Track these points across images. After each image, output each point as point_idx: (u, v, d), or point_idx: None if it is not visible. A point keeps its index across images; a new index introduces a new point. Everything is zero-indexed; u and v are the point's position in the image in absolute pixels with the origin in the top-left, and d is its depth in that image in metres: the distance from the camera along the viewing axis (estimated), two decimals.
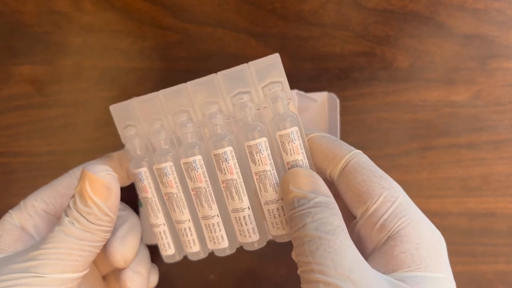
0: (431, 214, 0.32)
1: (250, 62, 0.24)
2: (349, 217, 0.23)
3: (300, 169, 0.23)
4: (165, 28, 0.32)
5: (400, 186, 0.22)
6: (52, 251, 0.22)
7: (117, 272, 0.27)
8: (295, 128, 0.24)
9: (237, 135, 0.24)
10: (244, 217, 0.24)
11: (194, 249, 0.26)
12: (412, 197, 0.32)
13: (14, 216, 0.25)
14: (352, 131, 0.32)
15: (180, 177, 0.25)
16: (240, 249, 0.33)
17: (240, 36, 0.32)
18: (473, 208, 0.32)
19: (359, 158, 0.22)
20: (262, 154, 0.24)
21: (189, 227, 0.26)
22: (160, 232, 0.26)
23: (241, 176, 0.24)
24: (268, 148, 0.24)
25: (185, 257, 0.33)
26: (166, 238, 0.26)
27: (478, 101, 0.32)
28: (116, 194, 0.23)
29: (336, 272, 0.19)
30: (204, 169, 0.25)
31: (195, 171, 0.24)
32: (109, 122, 0.33)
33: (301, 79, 0.32)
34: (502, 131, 0.32)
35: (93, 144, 0.34)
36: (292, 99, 0.24)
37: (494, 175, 0.32)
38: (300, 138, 0.24)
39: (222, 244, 0.25)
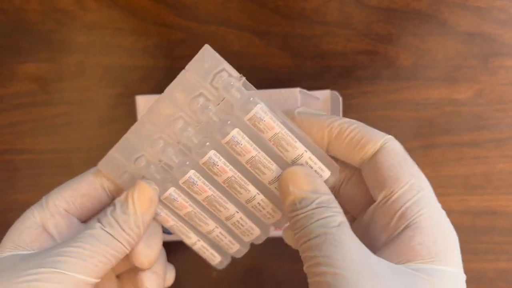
0: None
1: (186, 66, 0.24)
2: (353, 211, 0.24)
3: (297, 168, 0.23)
4: (168, 26, 0.32)
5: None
6: (76, 249, 0.22)
7: (131, 271, 0.27)
8: (259, 106, 0.23)
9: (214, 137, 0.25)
10: (262, 199, 0.25)
11: (235, 248, 0.27)
12: None
13: (37, 214, 0.24)
14: None
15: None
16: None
17: (243, 34, 0.32)
18: (475, 206, 0.32)
19: (393, 143, 0.23)
20: (241, 144, 0.24)
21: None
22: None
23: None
24: (245, 136, 0.24)
25: (186, 256, 0.33)
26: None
27: (480, 99, 0.32)
28: (153, 211, 0.24)
29: (343, 263, 0.19)
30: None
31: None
32: (113, 120, 0.34)
33: (303, 77, 0.32)
34: (504, 130, 0.32)
35: (97, 142, 0.34)
36: (243, 77, 0.24)
37: (496, 173, 0.32)
38: (270, 112, 0.24)
39: (255, 233, 0.26)
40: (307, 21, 0.32)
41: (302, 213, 0.21)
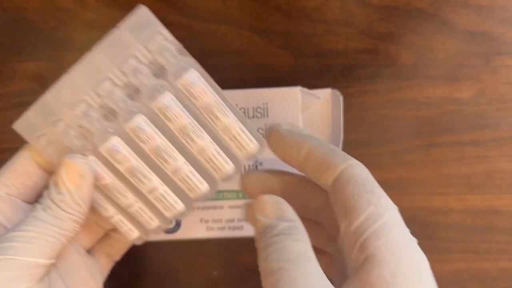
0: (434, 211, 0.32)
1: (119, 24, 0.23)
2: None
3: (266, 196, 0.22)
4: (169, 25, 0.32)
5: (392, 202, 0.21)
6: (20, 233, 0.22)
7: (102, 242, 0.28)
8: (193, 71, 0.23)
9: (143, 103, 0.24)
10: (212, 153, 0.24)
11: (154, 224, 0.26)
12: (415, 194, 0.32)
13: None
14: (356, 128, 0.32)
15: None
16: (244, 246, 0.33)
17: (244, 32, 0.32)
18: (476, 205, 0.32)
19: (352, 169, 0.21)
20: (173, 108, 0.23)
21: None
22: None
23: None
24: (177, 101, 0.23)
25: (187, 255, 0.33)
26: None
27: (482, 98, 0.32)
28: (89, 184, 0.23)
29: None
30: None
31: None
32: None
33: (304, 76, 0.32)
34: (506, 129, 0.32)
35: None
36: (180, 43, 0.23)
37: (497, 172, 0.32)
38: (203, 79, 0.23)
39: (179, 208, 0.25)
40: (308, 20, 0.32)
41: (264, 241, 0.20)
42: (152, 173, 0.24)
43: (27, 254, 0.22)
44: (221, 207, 0.30)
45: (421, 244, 0.33)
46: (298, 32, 0.32)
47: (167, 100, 0.23)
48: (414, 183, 0.32)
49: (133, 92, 0.24)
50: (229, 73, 0.32)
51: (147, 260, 0.34)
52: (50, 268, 0.24)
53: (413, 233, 0.32)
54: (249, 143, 0.24)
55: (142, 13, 0.23)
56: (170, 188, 0.25)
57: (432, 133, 0.32)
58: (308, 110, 0.30)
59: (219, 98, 0.24)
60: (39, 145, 0.25)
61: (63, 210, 0.23)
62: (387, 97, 0.32)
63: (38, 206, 0.23)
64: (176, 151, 0.24)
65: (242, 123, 0.24)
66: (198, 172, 0.25)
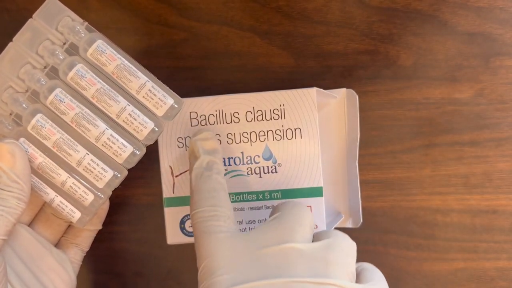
0: (433, 211, 0.33)
1: (33, 15, 0.26)
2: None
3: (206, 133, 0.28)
4: (171, 26, 0.32)
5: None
6: None
7: (69, 234, 0.30)
8: (100, 41, 0.26)
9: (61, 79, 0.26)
10: (129, 114, 0.26)
11: (90, 199, 0.27)
12: (414, 194, 0.32)
13: None
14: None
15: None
16: None
17: (245, 34, 0.32)
18: (475, 205, 0.33)
19: None
20: (86, 77, 0.25)
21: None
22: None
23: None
24: (89, 71, 0.26)
25: (189, 254, 0.34)
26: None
27: (481, 99, 0.32)
28: (22, 161, 0.25)
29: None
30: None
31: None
32: None
33: (305, 77, 0.32)
34: (505, 129, 0.32)
35: None
36: (86, 22, 0.26)
37: (497, 172, 0.32)
38: (110, 47, 0.26)
39: (127, 151, 0.26)
40: (309, 21, 0.32)
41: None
42: (77, 143, 0.26)
43: None
44: (242, 208, 0.30)
45: (420, 244, 0.33)
46: (299, 34, 0.32)
47: (79, 70, 0.25)
48: (414, 183, 0.32)
49: (51, 72, 0.26)
50: (230, 74, 0.32)
51: (150, 260, 0.34)
52: (11, 256, 0.26)
53: (413, 232, 0.33)
54: (164, 100, 0.26)
55: (52, 2, 0.26)
56: (97, 156, 0.26)
57: (431, 133, 0.32)
58: (324, 110, 0.31)
59: (127, 62, 0.26)
60: None
61: (2, 189, 0.24)
62: (387, 97, 0.32)
63: None
64: (96, 117, 0.26)
65: (154, 82, 0.26)
66: (120, 136, 0.26)
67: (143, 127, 0.26)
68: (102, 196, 0.27)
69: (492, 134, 0.32)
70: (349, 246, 0.24)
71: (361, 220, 0.31)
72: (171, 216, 0.30)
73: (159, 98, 0.26)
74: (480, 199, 0.32)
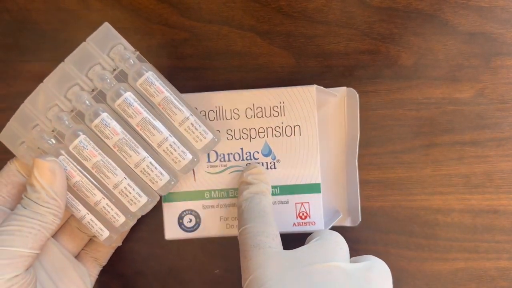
0: (434, 211, 0.33)
1: (87, 39, 0.26)
2: None
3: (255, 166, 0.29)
4: (172, 26, 0.32)
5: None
6: (4, 228, 0.24)
7: (88, 247, 0.31)
8: (150, 73, 0.26)
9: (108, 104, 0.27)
10: (170, 145, 0.27)
11: (121, 221, 0.27)
12: (415, 193, 0.32)
13: None
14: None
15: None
16: None
17: (246, 34, 0.32)
18: (476, 205, 0.33)
19: None
20: (133, 106, 0.26)
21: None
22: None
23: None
24: (137, 100, 0.26)
25: (189, 253, 0.34)
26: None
27: (482, 98, 0.32)
28: (61, 179, 0.25)
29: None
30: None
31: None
32: None
33: (305, 76, 0.32)
34: (506, 129, 0.32)
35: None
36: (137, 51, 0.27)
37: (497, 172, 0.32)
38: (159, 79, 0.26)
39: (164, 179, 0.27)
40: (310, 21, 0.32)
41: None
42: (116, 167, 0.27)
43: (11, 245, 0.24)
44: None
45: (421, 244, 0.33)
46: (300, 33, 0.32)
47: (128, 98, 0.26)
48: (414, 182, 0.32)
49: (99, 95, 0.27)
50: (231, 74, 0.32)
51: (151, 258, 0.34)
52: (37, 266, 0.26)
53: (413, 232, 0.33)
54: (204, 135, 0.27)
55: (106, 28, 0.27)
56: (133, 181, 0.27)
57: (432, 133, 0.32)
58: (324, 108, 0.31)
59: (173, 95, 0.27)
60: (20, 152, 0.27)
61: (41, 205, 0.25)
62: (388, 97, 0.32)
63: (18, 205, 0.25)
64: (138, 144, 0.26)
65: (197, 117, 0.27)
66: (159, 164, 0.27)
67: (182, 158, 0.27)
68: (133, 219, 0.28)
69: (493, 134, 0.32)
70: (387, 270, 0.25)
71: (360, 219, 0.31)
72: (170, 211, 0.30)
73: (199, 132, 0.27)
74: (481, 199, 0.32)
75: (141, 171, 0.27)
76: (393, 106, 0.32)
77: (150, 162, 0.27)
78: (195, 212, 0.30)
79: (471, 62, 0.32)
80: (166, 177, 0.27)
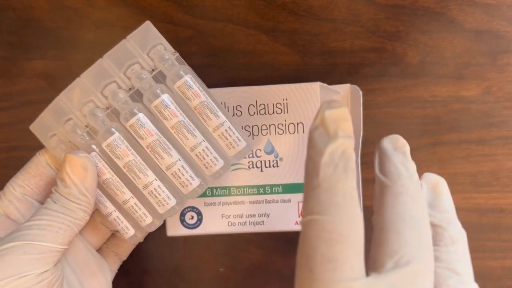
0: None
1: (127, 37, 0.26)
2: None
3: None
4: (176, 24, 0.32)
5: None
6: (35, 222, 0.24)
7: (109, 242, 0.30)
8: (189, 76, 0.26)
9: (144, 104, 0.26)
10: (203, 149, 0.26)
11: (148, 221, 0.27)
12: None
13: None
14: (362, 126, 0.32)
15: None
16: (250, 242, 0.33)
17: (250, 31, 0.32)
18: (483, 204, 0.32)
19: None
20: (170, 108, 0.26)
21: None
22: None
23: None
24: (174, 102, 0.26)
25: (194, 252, 0.34)
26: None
27: (489, 96, 0.32)
28: (92, 176, 0.25)
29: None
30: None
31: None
32: None
33: (310, 74, 0.32)
34: None
35: None
36: (177, 53, 0.27)
37: (504, 171, 0.32)
38: (196, 83, 0.26)
39: (194, 184, 0.27)
40: (315, 18, 0.32)
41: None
42: (148, 168, 0.26)
43: (42, 240, 0.24)
44: (242, 202, 0.30)
45: None
46: (305, 31, 0.32)
47: (165, 100, 0.26)
48: None
49: (135, 94, 0.27)
50: (236, 71, 0.32)
51: (156, 257, 0.34)
52: (62, 260, 0.26)
53: None
54: (237, 142, 0.27)
55: (147, 27, 0.26)
56: (164, 183, 0.27)
57: (438, 131, 0.32)
58: None
59: (210, 100, 0.26)
60: (51, 144, 0.27)
61: (71, 201, 0.25)
62: (394, 95, 0.32)
63: (49, 199, 0.25)
64: (171, 147, 0.26)
65: (231, 123, 0.26)
66: (190, 168, 0.27)
67: (213, 164, 0.27)
68: (160, 220, 0.28)
69: (499, 132, 0.32)
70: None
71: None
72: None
73: (233, 139, 0.27)
74: (488, 197, 0.32)
75: (172, 173, 0.26)
76: (399, 104, 0.32)
77: (182, 166, 0.26)
78: (197, 209, 0.30)
79: (478, 60, 0.32)
80: (196, 181, 0.27)
